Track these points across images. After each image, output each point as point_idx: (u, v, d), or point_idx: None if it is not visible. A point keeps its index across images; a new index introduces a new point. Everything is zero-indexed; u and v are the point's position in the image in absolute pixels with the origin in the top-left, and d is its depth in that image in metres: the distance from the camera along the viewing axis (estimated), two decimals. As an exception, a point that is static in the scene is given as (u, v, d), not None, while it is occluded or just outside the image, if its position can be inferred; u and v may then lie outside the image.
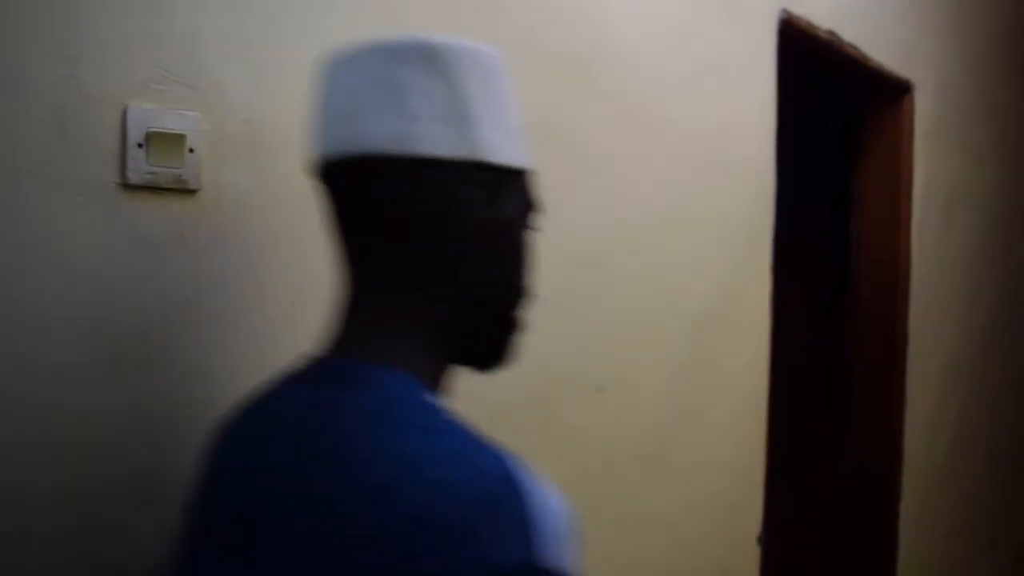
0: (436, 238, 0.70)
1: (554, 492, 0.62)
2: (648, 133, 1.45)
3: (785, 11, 1.81)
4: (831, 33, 1.99)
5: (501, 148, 0.71)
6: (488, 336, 0.75)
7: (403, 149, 0.69)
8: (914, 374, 2.43)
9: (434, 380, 0.72)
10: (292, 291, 0.98)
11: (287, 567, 0.62)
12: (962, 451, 2.84)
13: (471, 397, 1.14)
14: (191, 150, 0.92)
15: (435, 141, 0.69)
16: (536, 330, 1.23)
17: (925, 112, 2.43)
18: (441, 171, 0.69)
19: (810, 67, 2.09)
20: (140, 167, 0.89)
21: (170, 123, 0.90)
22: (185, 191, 0.91)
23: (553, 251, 1.30)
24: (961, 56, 2.68)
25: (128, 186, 0.88)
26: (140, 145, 0.89)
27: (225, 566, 0.67)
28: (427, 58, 0.70)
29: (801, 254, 2.59)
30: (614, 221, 1.40)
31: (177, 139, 0.90)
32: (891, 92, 2.35)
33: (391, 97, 0.69)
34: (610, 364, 1.40)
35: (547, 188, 1.23)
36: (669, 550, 1.54)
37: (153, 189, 0.89)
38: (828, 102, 2.66)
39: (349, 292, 0.73)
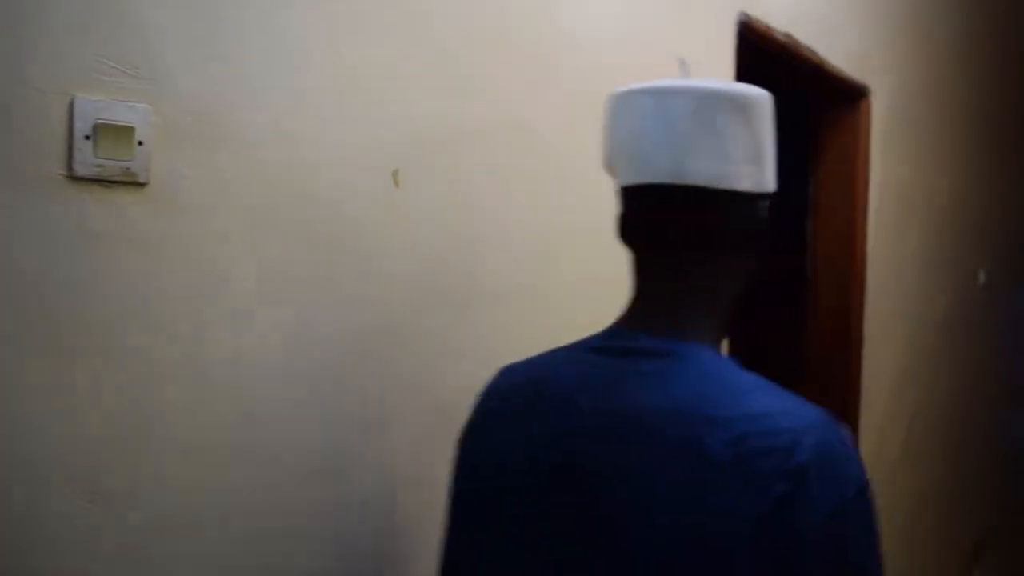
0: (733, 250, 0.88)
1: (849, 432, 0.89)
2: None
3: (744, 14, 1.82)
4: (788, 36, 2.00)
5: (773, 180, 0.90)
6: (739, 311, 0.92)
7: (721, 185, 0.85)
8: (869, 375, 2.44)
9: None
10: (242, 284, 0.97)
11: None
12: (916, 451, 2.86)
13: (421, 393, 1.16)
14: (140, 143, 0.90)
15: (743, 180, 0.86)
16: (493, 327, 1.24)
17: (881, 117, 2.45)
18: (742, 201, 0.86)
19: (768, 71, 2.11)
20: (87, 160, 0.87)
21: (119, 115, 0.89)
22: (134, 184, 0.90)
23: (513, 248, 1.30)
24: (918, 62, 2.71)
25: (75, 179, 0.86)
26: (87, 137, 0.87)
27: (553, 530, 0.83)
28: (740, 108, 0.86)
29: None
30: (574, 218, 1.39)
31: (126, 131, 0.89)
32: (848, 97, 2.37)
33: (713, 141, 0.85)
34: None
35: (509, 185, 1.25)
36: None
37: (101, 182, 0.88)
38: (786, 106, 2.68)
39: (654, 286, 0.89)
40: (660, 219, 0.88)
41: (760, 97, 0.88)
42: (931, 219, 2.89)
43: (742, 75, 1.89)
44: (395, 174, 1.13)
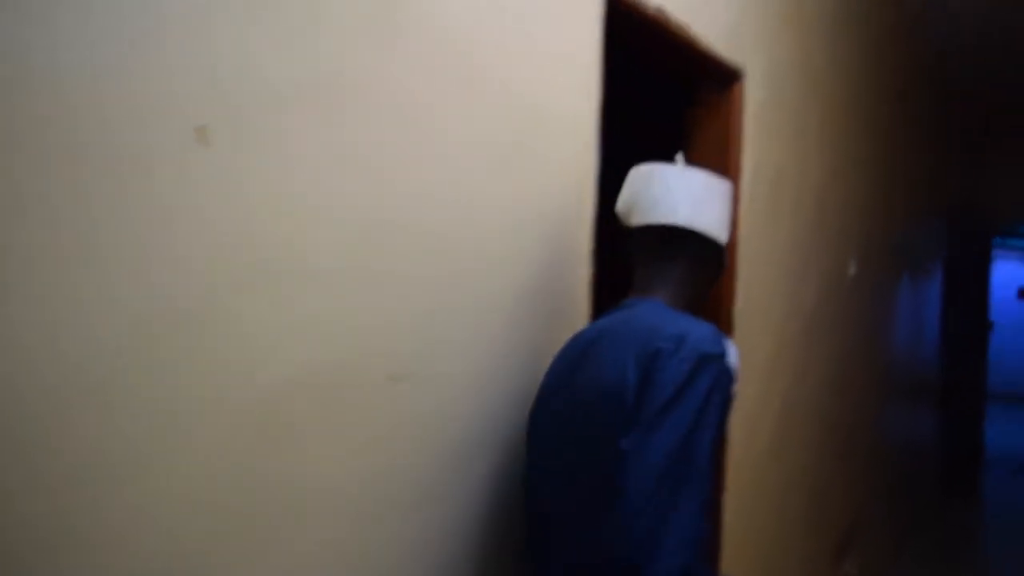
0: (693, 263, 1.47)
1: (732, 342, 1.26)
2: (461, 92, 1.34)
3: (610, -18, 1.73)
4: (660, 11, 1.93)
5: (725, 236, 1.50)
6: (698, 301, 1.49)
7: (695, 227, 1.45)
8: (740, 348, 2.42)
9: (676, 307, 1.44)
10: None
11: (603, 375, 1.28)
12: (785, 441, 2.87)
13: (237, 388, 1.00)
14: None
15: (711, 228, 1.47)
16: (319, 307, 1.10)
17: (755, 99, 2.43)
18: (705, 240, 1.47)
19: (640, 51, 2.04)
20: None
21: None
22: None
23: (354, 214, 1.17)
24: (792, 44, 2.69)
25: None
26: None
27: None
28: (725, 192, 1.51)
29: (626, 240, 2.54)
30: (423, 183, 1.27)
31: None
32: (721, 79, 2.32)
33: (700, 203, 1.46)
34: (411, 348, 1.27)
35: (350, 147, 1.11)
36: None
37: None
38: (658, 87, 2.62)
39: (644, 274, 1.48)
40: (648, 243, 1.48)
41: (728, 185, 1.52)
42: (803, 207, 2.90)
43: (612, 55, 1.80)
44: (201, 131, 0.99)
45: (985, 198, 8.30)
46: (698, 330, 1.25)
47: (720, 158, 2.33)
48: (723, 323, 2.38)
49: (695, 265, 1.46)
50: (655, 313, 1.34)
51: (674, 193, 1.44)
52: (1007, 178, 8.23)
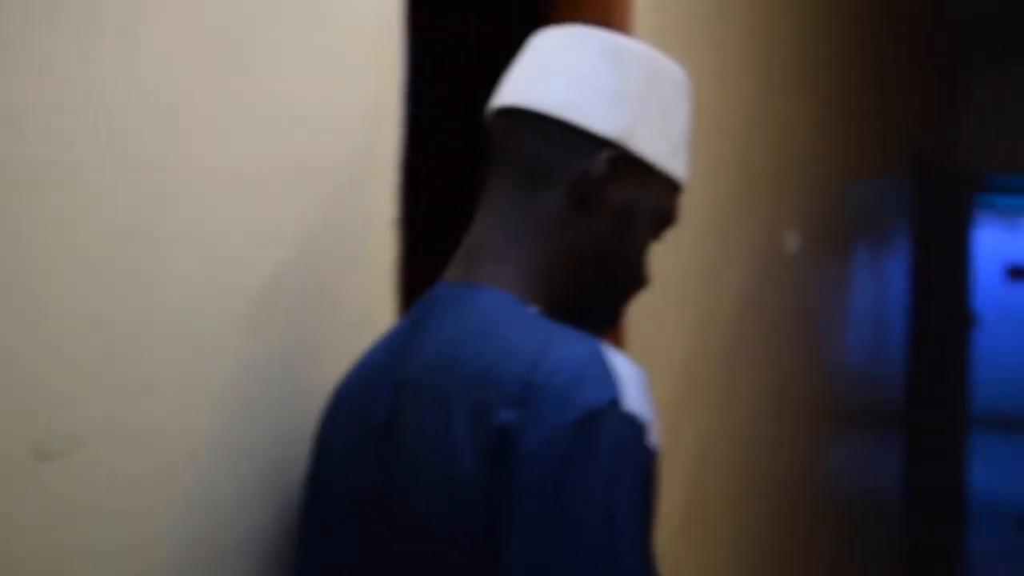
0: (566, 198, 1.23)
1: (629, 361, 1.10)
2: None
3: None
4: None
5: (651, 146, 1.24)
6: (598, 303, 1.28)
7: (564, 114, 1.23)
8: None
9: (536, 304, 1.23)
10: None
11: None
12: (702, 509, 2.89)
13: None
14: None
15: (591, 117, 1.23)
16: None
17: (647, 5, 2.39)
18: (585, 142, 1.23)
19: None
20: None
21: None
22: None
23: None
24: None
25: None
26: None
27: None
28: (608, 50, 1.26)
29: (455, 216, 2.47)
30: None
31: None
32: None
33: (568, 70, 1.25)
34: (77, 401, 1.10)
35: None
36: None
37: None
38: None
39: (476, 229, 1.27)
40: (501, 148, 1.26)
41: (637, 49, 1.26)
42: (723, 158, 2.93)
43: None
44: None
45: (965, 145, 8.64)
46: (568, 361, 1.07)
47: None
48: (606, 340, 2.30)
49: (591, 211, 1.24)
50: (490, 326, 1.15)
51: (553, 62, 1.26)
52: (992, 115, 8.59)
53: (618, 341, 2.35)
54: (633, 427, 1.05)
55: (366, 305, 1.57)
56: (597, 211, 1.23)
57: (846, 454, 4.80)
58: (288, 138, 1.40)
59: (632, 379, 1.09)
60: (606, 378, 1.06)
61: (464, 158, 2.69)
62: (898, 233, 6.08)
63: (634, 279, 1.29)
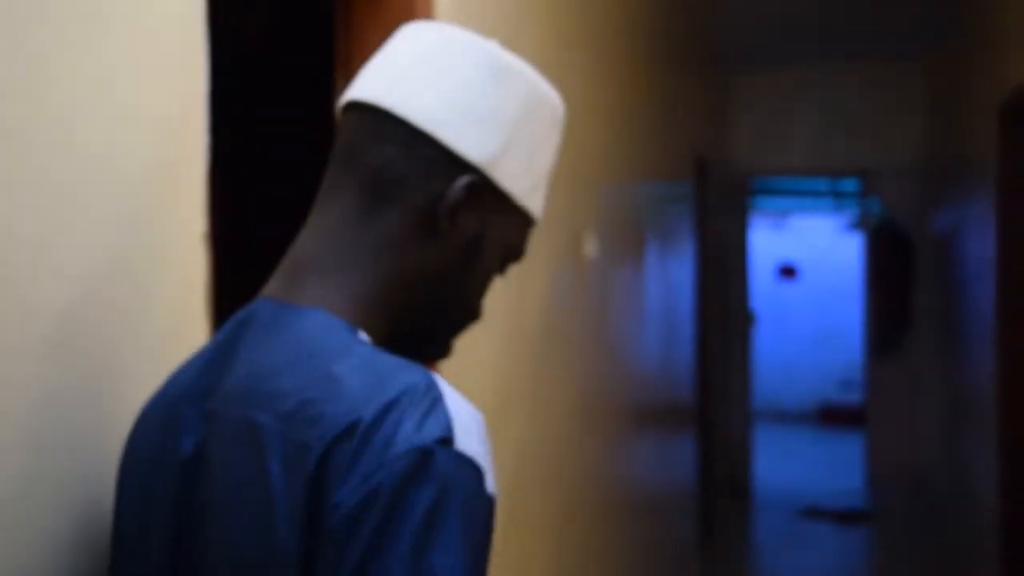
0: (414, 217, 1.12)
1: (467, 401, 1.02)
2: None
3: None
4: None
5: (513, 178, 1.16)
6: (429, 332, 1.18)
7: (423, 124, 1.12)
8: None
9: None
10: None
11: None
12: (520, 516, 2.84)
13: None
14: None
15: (454, 134, 1.12)
16: None
17: None
18: (444, 160, 1.12)
19: None
20: None
21: None
22: None
23: None
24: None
25: None
26: None
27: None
28: (491, 66, 1.15)
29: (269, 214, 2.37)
30: None
31: None
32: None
33: (440, 79, 1.13)
34: None
35: None
36: None
37: None
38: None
39: (308, 237, 1.14)
40: (348, 148, 1.13)
41: (523, 73, 1.15)
42: None
43: None
44: None
45: (737, 150, 8.92)
46: (397, 396, 0.97)
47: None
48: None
49: (438, 236, 1.13)
50: (313, 355, 1.03)
51: (428, 66, 1.14)
52: (759, 120, 8.89)
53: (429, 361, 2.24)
54: (466, 469, 0.95)
55: (176, 325, 1.44)
56: (445, 237, 1.13)
57: (646, 452, 4.86)
58: (82, 147, 1.25)
59: (468, 419, 0.99)
60: (437, 415, 0.96)
61: (283, 163, 2.55)
62: (683, 235, 6.20)
63: (469, 311, 1.19)
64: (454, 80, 1.12)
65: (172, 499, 1.07)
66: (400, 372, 0.99)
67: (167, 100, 1.42)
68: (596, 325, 3.78)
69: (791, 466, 10.07)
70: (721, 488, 8.24)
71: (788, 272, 13.25)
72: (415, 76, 1.12)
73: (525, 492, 2.87)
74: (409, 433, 0.94)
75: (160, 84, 1.41)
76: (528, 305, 2.96)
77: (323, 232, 1.12)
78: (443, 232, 1.12)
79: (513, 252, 1.19)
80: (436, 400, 0.97)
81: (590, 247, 3.61)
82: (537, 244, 3.02)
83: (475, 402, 2.53)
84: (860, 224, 9.59)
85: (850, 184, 11.17)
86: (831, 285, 13.10)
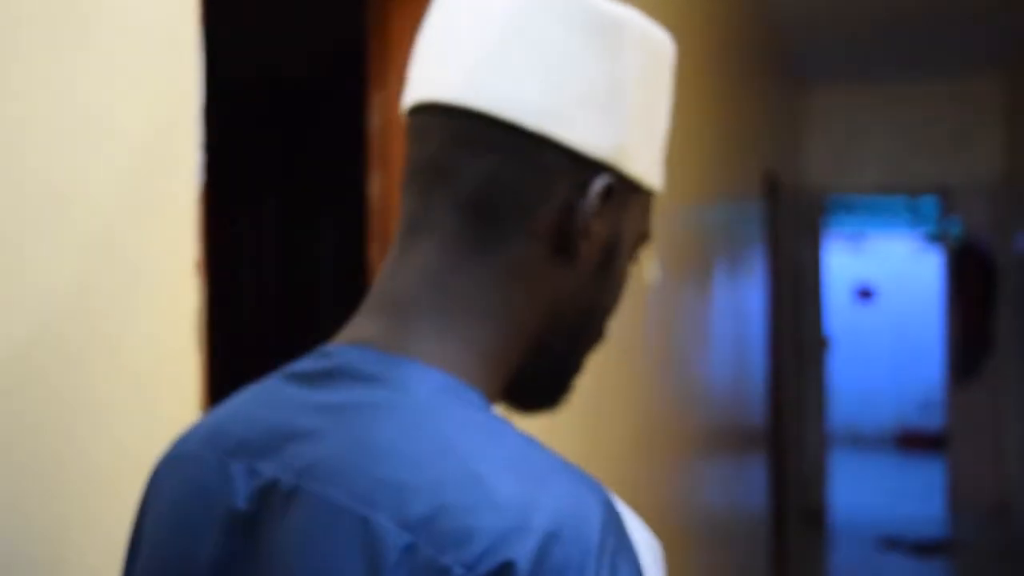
0: (542, 241, 0.89)
1: (643, 526, 0.82)
2: None
3: None
4: None
5: (640, 158, 0.92)
6: (561, 367, 0.95)
7: (538, 125, 0.87)
8: None
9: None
10: None
11: None
12: None
13: None
14: None
15: (575, 126, 0.88)
16: None
17: None
18: (569, 162, 0.88)
19: None
20: None
21: None
22: None
23: None
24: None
25: None
26: None
27: None
28: (598, 29, 0.90)
29: (288, 230, 2.30)
30: None
31: None
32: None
33: (539, 60, 0.88)
34: None
35: None
36: None
37: None
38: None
39: (398, 271, 0.91)
40: (434, 164, 0.89)
41: (633, 23, 0.90)
42: None
43: None
44: None
45: (812, 167, 8.70)
46: (574, 522, 0.75)
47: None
48: None
49: (575, 256, 0.91)
50: (442, 439, 0.80)
51: (513, 39, 0.89)
52: (835, 136, 8.66)
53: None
54: None
55: (162, 362, 1.31)
56: (579, 255, 0.91)
57: (716, 479, 4.79)
58: (59, 163, 1.13)
59: (647, 555, 0.80)
60: (627, 556, 0.76)
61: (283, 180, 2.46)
62: (754, 256, 6.09)
63: (603, 330, 0.97)
64: (557, 56, 0.87)
65: (222, 547, 0.85)
66: (571, 482, 0.78)
67: (154, 110, 1.30)
68: (659, 349, 3.71)
69: (868, 493, 9.80)
70: (795, 515, 8.00)
71: (865, 294, 12.96)
72: (505, 59, 0.87)
73: None
74: (578, 548, 0.73)
75: (147, 92, 1.29)
76: None
77: (425, 268, 0.89)
78: (579, 251, 0.90)
79: (643, 237, 0.97)
80: (623, 533, 0.77)
81: (652, 271, 3.42)
82: None
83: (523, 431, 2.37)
84: (939, 243, 9.31)
85: (929, 202, 10.91)
86: (909, 306, 12.81)
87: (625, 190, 0.92)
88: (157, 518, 0.91)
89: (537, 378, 0.94)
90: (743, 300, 5.63)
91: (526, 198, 0.88)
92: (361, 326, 0.89)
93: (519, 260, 0.88)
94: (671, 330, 3.90)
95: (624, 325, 3.23)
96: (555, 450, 0.81)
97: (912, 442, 12.37)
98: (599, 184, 0.88)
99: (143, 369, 1.26)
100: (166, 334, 1.31)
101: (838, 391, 12.69)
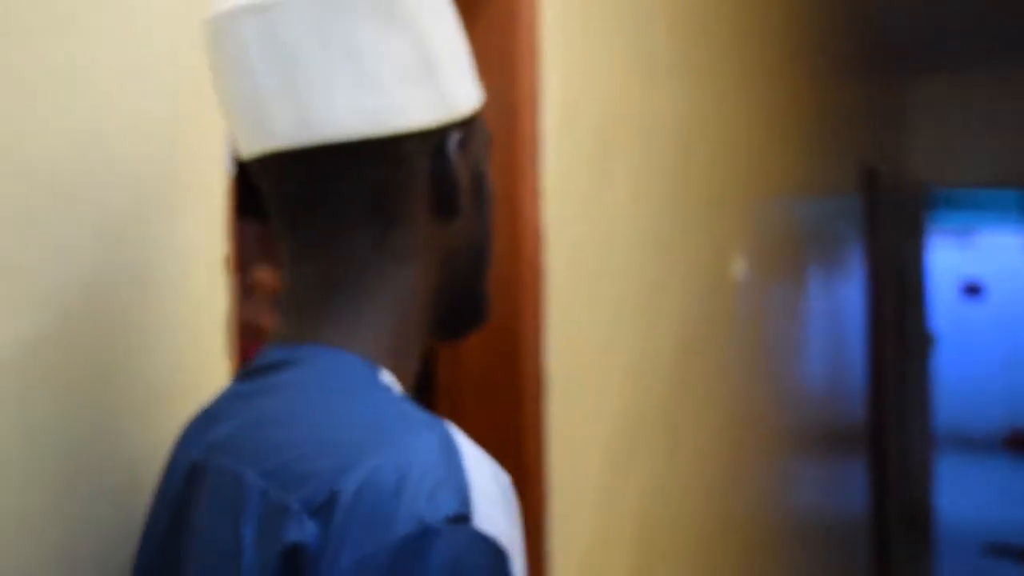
0: (423, 212, 0.97)
1: (491, 461, 0.87)
2: None
3: None
4: None
5: (468, 94, 0.99)
6: (472, 296, 1.05)
7: (376, 131, 0.92)
8: (560, 443, 2.30)
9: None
10: None
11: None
12: (659, 546, 2.73)
13: None
14: None
15: (409, 112, 0.94)
16: None
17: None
18: (419, 142, 0.95)
19: None
20: None
21: None
22: None
23: None
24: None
25: None
26: None
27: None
28: (374, 5, 0.92)
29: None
30: None
31: None
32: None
33: (348, 65, 0.92)
34: None
35: None
36: None
37: None
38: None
39: (300, 274, 0.97)
40: (301, 196, 0.95)
41: None
42: (654, 172, 2.80)
43: None
44: None
45: (915, 159, 8.54)
46: (396, 461, 0.83)
47: (501, 85, 2.14)
48: (523, 379, 2.19)
49: (446, 211, 0.99)
50: (313, 404, 0.89)
51: (312, 54, 0.93)
52: (940, 127, 8.49)
53: (535, 389, 2.13)
54: (485, 551, 0.80)
55: (190, 367, 1.26)
56: (463, 205, 1.00)
57: (811, 481, 4.78)
58: (68, 159, 1.08)
59: (492, 487, 0.84)
60: (451, 484, 0.81)
61: None
62: (851, 252, 6.08)
63: (492, 248, 1.09)
64: (361, 59, 0.92)
65: (158, 548, 0.99)
66: (410, 427, 0.85)
67: (171, 103, 1.25)
68: (747, 349, 3.69)
69: (976, 497, 9.61)
70: (898, 520, 7.86)
71: (973, 290, 12.73)
72: (316, 84, 0.91)
73: (655, 539, 2.75)
74: (415, 507, 0.79)
75: (167, 77, 1.23)
76: (660, 329, 2.86)
77: (322, 273, 0.97)
78: (460, 205, 0.99)
79: (489, 143, 1.07)
80: (449, 464, 0.83)
81: (737, 268, 3.53)
82: (669, 265, 2.94)
83: (597, 436, 2.42)
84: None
85: (1039, 196, 10.67)
86: (1020, 303, 12.56)
87: (469, 127, 1.00)
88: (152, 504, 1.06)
89: (458, 313, 1.04)
90: (840, 296, 5.59)
91: (399, 190, 0.95)
92: (278, 327, 1.00)
93: (406, 242, 0.97)
94: (762, 327, 3.89)
95: (709, 321, 3.24)
96: (432, 414, 0.91)
97: (1022, 444, 12.17)
98: (453, 143, 0.97)
99: (165, 379, 1.21)
100: (191, 340, 1.25)
101: (945, 391, 12.52)
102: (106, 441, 1.14)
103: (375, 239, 0.96)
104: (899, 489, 7.98)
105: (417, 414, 0.88)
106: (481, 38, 2.12)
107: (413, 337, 0.99)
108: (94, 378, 1.12)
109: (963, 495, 9.64)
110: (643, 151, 2.71)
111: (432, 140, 0.96)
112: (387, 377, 0.94)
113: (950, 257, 12.83)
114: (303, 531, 0.80)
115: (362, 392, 0.89)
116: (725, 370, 3.43)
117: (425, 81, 0.94)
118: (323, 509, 0.80)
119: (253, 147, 0.95)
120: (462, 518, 0.79)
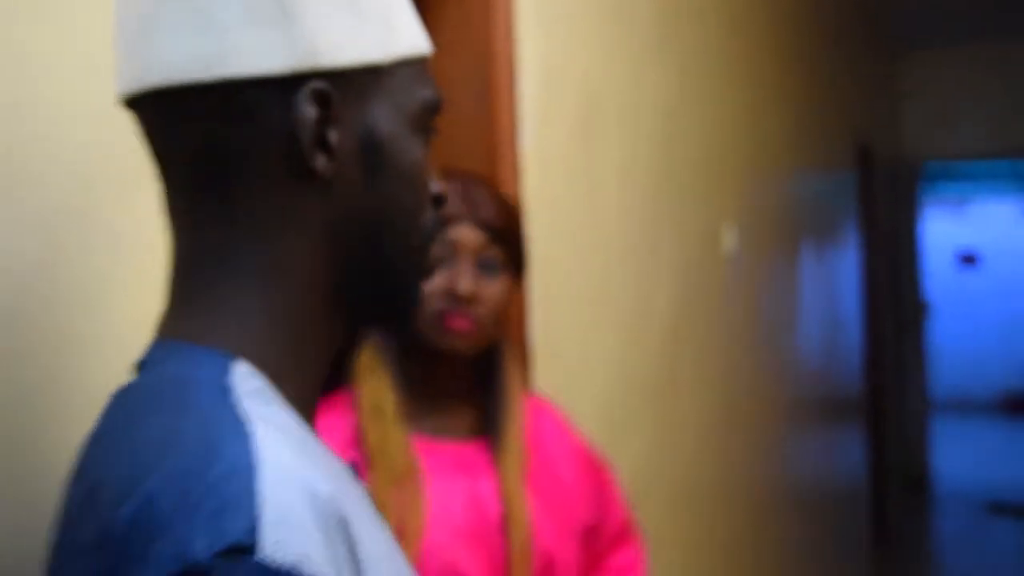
0: (278, 177, 0.81)
1: (317, 461, 0.76)
2: None
3: None
4: None
5: (350, 43, 0.82)
6: (390, 278, 0.89)
7: (211, 74, 0.79)
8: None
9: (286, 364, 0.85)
10: None
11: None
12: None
13: None
14: None
15: (253, 55, 0.79)
16: None
17: None
18: (268, 92, 0.79)
19: None
20: None
21: None
22: None
23: None
24: None
25: None
26: None
27: None
28: None
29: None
30: None
31: None
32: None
33: (185, 3, 0.79)
34: None
35: None
36: None
37: None
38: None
39: (176, 256, 0.85)
40: (153, 152, 0.85)
41: None
42: (641, 148, 2.74)
43: None
44: None
45: (908, 133, 8.44)
46: (170, 483, 0.70)
47: (474, 61, 2.05)
48: (504, 358, 2.06)
49: (305, 177, 0.82)
50: (144, 409, 0.77)
51: (120, 9, 0.83)
52: (933, 101, 8.38)
53: (524, 375, 2.09)
54: None
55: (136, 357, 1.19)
56: (333, 172, 0.82)
57: (809, 448, 4.74)
58: (20, 128, 1.00)
59: (295, 504, 0.70)
60: (236, 510, 0.67)
61: None
62: (846, 225, 6.02)
63: (416, 232, 0.90)
64: None
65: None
66: (205, 443, 0.71)
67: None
68: (742, 321, 3.64)
69: (975, 458, 9.54)
70: (897, 482, 7.80)
71: (969, 260, 12.62)
72: (153, 23, 0.80)
73: (646, 508, 2.68)
74: (183, 541, 0.66)
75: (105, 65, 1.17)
76: (655, 303, 2.81)
77: (182, 257, 0.84)
78: (328, 169, 0.82)
79: (428, 108, 0.88)
80: (244, 485, 0.68)
81: (728, 241, 3.47)
82: (658, 241, 2.87)
83: (592, 411, 2.35)
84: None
85: (1032, 166, 10.54)
86: (1015, 272, 12.46)
87: (355, 82, 0.82)
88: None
89: (375, 298, 0.88)
90: (835, 268, 5.53)
91: (245, 148, 0.80)
92: (159, 321, 0.87)
93: (261, 214, 0.82)
94: (757, 301, 3.83)
95: (701, 294, 3.17)
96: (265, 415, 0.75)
97: (1019, 407, 12.09)
98: (303, 96, 0.80)
99: (110, 379, 1.15)
100: (142, 334, 1.19)
101: (943, 357, 12.43)
102: (47, 443, 1.09)
103: (218, 209, 0.82)
104: (897, 453, 7.92)
105: (226, 424, 0.74)
106: (455, 13, 2.04)
107: (309, 325, 0.85)
108: (37, 379, 1.07)
109: (963, 457, 9.57)
110: (630, 126, 2.65)
111: (286, 92, 0.80)
112: (243, 371, 0.80)
113: (946, 228, 12.71)
114: (89, 568, 0.70)
115: (178, 401, 0.77)
116: (719, 342, 3.38)
117: (277, 21, 0.79)
118: (101, 546, 0.70)
119: (118, 89, 0.85)
120: (241, 549, 0.66)
